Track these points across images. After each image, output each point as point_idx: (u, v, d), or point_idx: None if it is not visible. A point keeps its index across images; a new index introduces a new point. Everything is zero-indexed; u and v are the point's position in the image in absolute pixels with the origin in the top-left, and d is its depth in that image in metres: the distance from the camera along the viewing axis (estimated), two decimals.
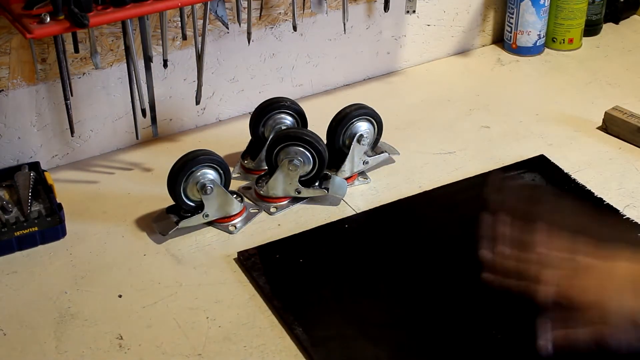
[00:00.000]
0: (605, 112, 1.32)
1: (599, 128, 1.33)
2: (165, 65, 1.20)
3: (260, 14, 1.32)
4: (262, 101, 1.23)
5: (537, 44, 1.55)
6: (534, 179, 1.21)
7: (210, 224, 1.13)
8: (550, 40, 1.57)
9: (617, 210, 1.13)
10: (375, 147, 1.24)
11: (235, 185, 1.20)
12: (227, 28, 1.29)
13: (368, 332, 0.95)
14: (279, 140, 1.14)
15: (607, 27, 1.65)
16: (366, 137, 1.19)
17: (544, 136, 1.32)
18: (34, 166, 1.20)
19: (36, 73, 1.17)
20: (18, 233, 1.09)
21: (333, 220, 1.14)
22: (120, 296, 1.02)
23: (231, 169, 1.15)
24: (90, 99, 1.24)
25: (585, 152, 1.27)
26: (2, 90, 1.17)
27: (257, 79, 1.38)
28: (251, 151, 1.24)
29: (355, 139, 1.18)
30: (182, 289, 1.03)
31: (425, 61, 1.54)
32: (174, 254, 1.09)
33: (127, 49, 1.12)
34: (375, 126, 1.21)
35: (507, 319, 0.96)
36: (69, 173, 1.25)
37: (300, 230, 1.12)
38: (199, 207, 1.11)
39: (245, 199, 1.18)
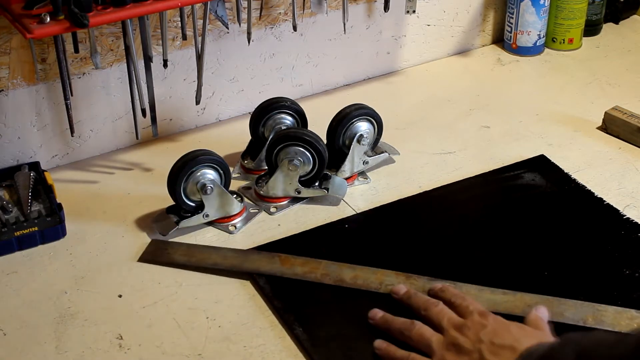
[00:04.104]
0: (605, 112, 1.32)
1: (599, 128, 1.33)
2: (165, 65, 1.20)
3: (260, 14, 1.32)
4: (262, 101, 1.23)
5: (537, 44, 1.55)
6: (534, 179, 1.21)
7: (210, 224, 1.13)
8: (550, 40, 1.57)
9: (617, 210, 1.13)
10: (375, 147, 1.24)
11: (235, 185, 1.20)
12: (227, 28, 1.29)
13: (368, 332, 0.95)
14: (279, 140, 1.14)
15: (607, 27, 1.65)
16: (366, 137, 1.19)
17: (544, 136, 1.32)
18: (34, 166, 1.20)
19: (36, 73, 1.17)
20: (18, 233, 1.09)
21: (333, 220, 1.14)
22: (120, 296, 1.02)
23: (231, 169, 1.15)
24: (90, 99, 1.24)
25: (585, 152, 1.27)
26: (2, 90, 1.17)
27: (257, 79, 1.38)
28: (251, 151, 1.24)
29: (355, 139, 1.18)
30: (182, 289, 1.03)
31: (425, 61, 1.54)
32: None
33: (127, 49, 1.12)
34: (375, 126, 1.21)
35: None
36: (69, 173, 1.25)
37: (300, 230, 1.12)
38: (199, 207, 1.11)
39: (245, 199, 1.18)
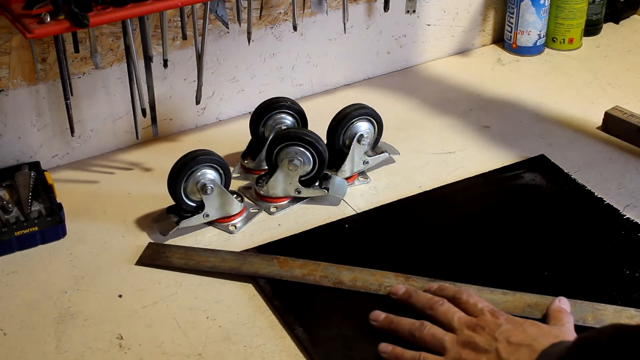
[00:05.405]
0: (605, 112, 1.32)
1: (599, 128, 1.33)
2: (165, 65, 1.20)
3: (260, 13, 1.32)
4: (262, 101, 1.23)
5: (537, 43, 1.55)
6: (534, 179, 1.21)
7: (210, 223, 1.13)
8: (551, 40, 1.57)
9: (617, 210, 1.13)
10: (375, 147, 1.24)
11: (235, 185, 1.20)
12: (227, 28, 1.29)
13: (368, 332, 0.95)
14: (279, 140, 1.14)
15: (607, 27, 1.65)
16: (366, 137, 1.19)
17: (544, 136, 1.32)
18: (34, 166, 1.20)
19: (36, 73, 1.17)
20: (18, 233, 1.09)
21: (333, 220, 1.14)
22: (120, 296, 1.02)
23: (231, 169, 1.15)
24: (90, 99, 1.24)
25: (585, 152, 1.27)
26: (2, 90, 1.17)
27: (257, 79, 1.38)
28: (251, 151, 1.24)
29: (355, 139, 1.18)
30: (182, 289, 1.03)
31: (425, 61, 1.54)
32: None
33: (127, 49, 1.12)
34: (375, 126, 1.21)
35: None
36: (69, 173, 1.25)
37: (300, 230, 1.12)
38: (199, 207, 1.11)
39: (245, 199, 1.18)
